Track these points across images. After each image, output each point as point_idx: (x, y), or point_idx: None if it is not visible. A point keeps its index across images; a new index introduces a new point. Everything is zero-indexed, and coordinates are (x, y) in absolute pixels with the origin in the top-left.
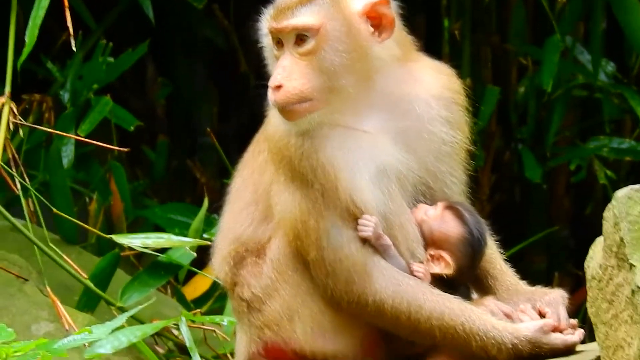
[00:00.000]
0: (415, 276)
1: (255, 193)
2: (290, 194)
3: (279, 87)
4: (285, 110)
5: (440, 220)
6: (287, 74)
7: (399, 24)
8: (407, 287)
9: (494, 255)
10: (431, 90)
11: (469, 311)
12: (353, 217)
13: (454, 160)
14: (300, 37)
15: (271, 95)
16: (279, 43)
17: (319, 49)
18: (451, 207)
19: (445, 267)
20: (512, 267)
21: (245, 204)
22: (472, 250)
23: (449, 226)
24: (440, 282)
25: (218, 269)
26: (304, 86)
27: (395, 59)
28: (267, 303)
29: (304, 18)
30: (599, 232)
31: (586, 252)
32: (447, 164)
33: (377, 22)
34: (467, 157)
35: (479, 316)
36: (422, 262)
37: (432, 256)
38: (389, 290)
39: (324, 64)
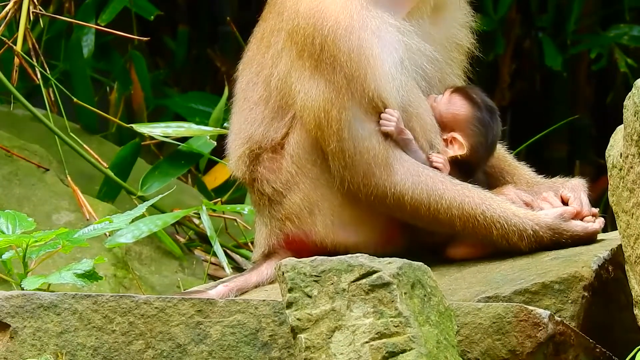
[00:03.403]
0: (434, 167)
1: (267, 89)
2: (315, 82)
3: None
4: None
5: (448, 102)
6: None
7: None
8: (427, 178)
9: (506, 155)
10: None
11: (489, 199)
12: (376, 111)
13: (459, 63)
14: None
15: None
16: None
17: None
18: (458, 89)
19: (458, 148)
20: (532, 155)
21: (254, 103)
22: (482, 127)
23: (457, 106)
24: (459, 171)
25: (235, 168)
26: None
27: None
28: (287, 197)
29: None
30: (620, 120)
31: (607, 141)
32: (454, 66)
33: None
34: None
35: (499, 204)
36: (440, 153)
37: (445, 140)
38: (409, 181)
39: None
